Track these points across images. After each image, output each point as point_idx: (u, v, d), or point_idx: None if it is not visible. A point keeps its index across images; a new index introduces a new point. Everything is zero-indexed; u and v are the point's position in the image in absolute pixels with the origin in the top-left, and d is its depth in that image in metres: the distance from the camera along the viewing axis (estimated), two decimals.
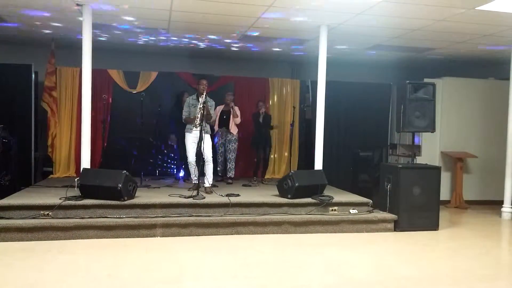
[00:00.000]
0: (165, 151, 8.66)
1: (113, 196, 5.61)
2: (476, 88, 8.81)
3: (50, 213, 5.37)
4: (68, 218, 5.37)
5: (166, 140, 8.36)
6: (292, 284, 3.98)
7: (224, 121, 7.76)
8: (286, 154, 9.04)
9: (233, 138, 7.77)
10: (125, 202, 5.64)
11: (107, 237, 5.29)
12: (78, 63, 6.37)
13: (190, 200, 5.88)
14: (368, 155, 9.21)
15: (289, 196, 6.20)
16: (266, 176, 8.48)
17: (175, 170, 8.43)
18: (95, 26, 6.55)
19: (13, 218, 5.25)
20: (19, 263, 4.36)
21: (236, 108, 7.78)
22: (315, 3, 5.68)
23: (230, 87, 8.94)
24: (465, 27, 6.58)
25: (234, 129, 7.75)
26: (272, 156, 8.91)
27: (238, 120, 7.72)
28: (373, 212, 6.30)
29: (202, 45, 8.44)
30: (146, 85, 8.57)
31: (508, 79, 7.46)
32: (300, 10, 6.00)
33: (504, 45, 7.52)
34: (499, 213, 7.51)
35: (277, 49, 8.68)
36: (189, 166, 6.73)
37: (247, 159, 8.94)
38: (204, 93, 6.35)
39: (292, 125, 8.47)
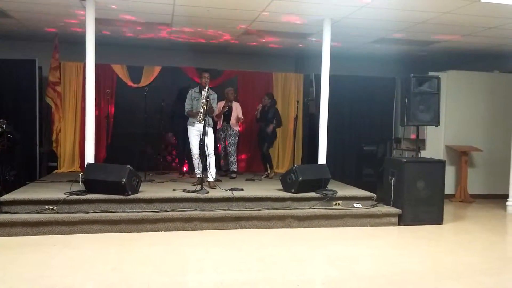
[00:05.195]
0: (169, 146, 8.66)
1: (118, 190, 5.63)
2: (481, 81, 8.74)
3: (55, 208, 5.41)
4: (73, 212, 5.40)
5: (165, 138, 8.31)
6: (295, 278, 3.98)
7: (225, 116, 7.76)
8: (290, 148, 9.02)
9: (233, 132, 7.76)
10: (129, 197, 5.67)
11: (111, 232, 5.32)
12: (81, 58, 6.37)
13: (194, 195, 5.89)
14: (372, 149, 9.19)
15: (292, 190, 6.20)
16: (269, 171, 8.40)
17: (178, 165, 8.43)
18: (98, 21, 6.54)
19: (18, 213, 5.28)
20: (24, 257, 4.39)
21: (238, 105, 7.79)
22: None
23: (233, 81, 8.92)
24: (470, 20, 6.52)
25: (234, 125, 7.75)
26: (275, 150, 8.88)
27: (240, 118, 7.74)
28: (377, 206, 6.29)
29: (205, 39, 8.42)
30: (149, 80, 8.57)
31: None
32: (303, 3, 5.97)
33: (508, 37, 7.45)
34: (504, 207, 7.49)
35: (281, 43, 8.65)
36: (193, 160, 6.74)
37: (251, 154, 8.94)
38: (207, 86, 6.35)
39: (296, 119, 8.44)
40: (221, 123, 7.81)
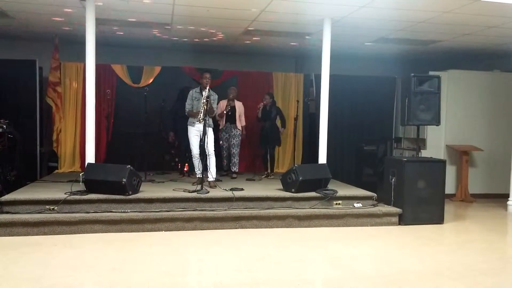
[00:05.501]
0: (170, 146, 8.66)
1: (118, 190, 5.64)
2: (481, 80, 8.73)
3: (55, 208, 5.41)
4: (73, 212, 5.40)
5: (167, 136, 8.33)
6: (295, 278, 3.98)
7: (228, 117, 7.76)
8: (290, 148, 9.02)
9: (237, 133, 7.77)
10: (130, 197, 5.67)
11: (112, 232, 5.32)
12: (82, 58, 6.38)
13: (194, 195, 5.89)
14: (373, 149, 9.19)
15: (293, 190, 6.20)
16: (269, 171, 8.39)
17: (179, 164, 8.43)
18: (98, 21, 6.54)
19: (19, 213, 5.29)
20: (25, 257, 4.39)
21: (240, 104, 7.79)
22: None
23: (234, 81, 8.93)
24: (471, 19, 6.52)
25: (239, 125, 7.75)
26: (275, 150, 8.89)
27: (243, 120, 7.77)
28: (377, 206, 6.29)
29: (205, 39, 8.42)
30: (149, 80, 8.58)
31: None
32: (303, 3, 5.97)
33: (509, 37, 7.45)
34: (505, 207, 7.48)
35: (281, 43, 8.64)
36: (193, 160, 6.75)
37: (252, 153, 8.94)
38: (208, 87, 6.36)
39: (296, 119, 8.44)
40: (223, 123, 7.80)
